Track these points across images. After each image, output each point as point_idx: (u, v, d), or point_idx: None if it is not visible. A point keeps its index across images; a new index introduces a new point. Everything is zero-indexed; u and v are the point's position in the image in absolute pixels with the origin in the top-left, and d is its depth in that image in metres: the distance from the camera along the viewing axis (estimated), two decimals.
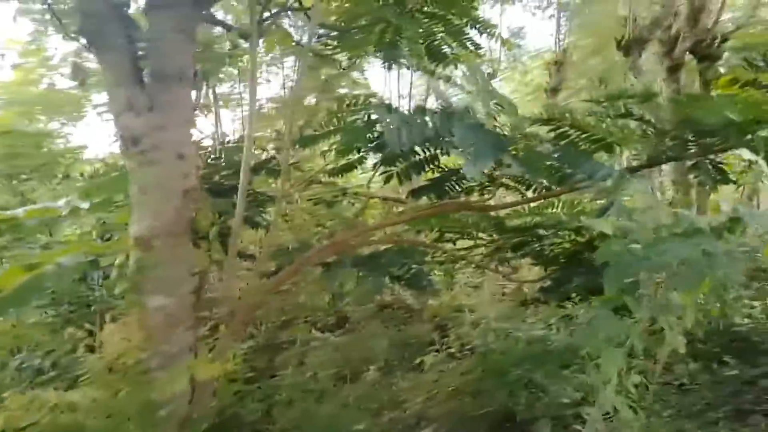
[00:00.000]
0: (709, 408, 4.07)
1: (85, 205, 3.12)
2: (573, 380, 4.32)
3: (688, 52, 5.64)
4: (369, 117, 3.17)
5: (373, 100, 3.30)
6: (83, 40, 2.41)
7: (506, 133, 2.35)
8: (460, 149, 1.92)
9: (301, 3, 3.50)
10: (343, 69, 5.32)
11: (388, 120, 2.14)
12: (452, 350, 5.77)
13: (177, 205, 2.45)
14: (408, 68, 5.56)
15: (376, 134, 3.14)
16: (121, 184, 3.16)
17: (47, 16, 3.81)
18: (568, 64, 8.66)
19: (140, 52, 2.40)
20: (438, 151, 3.34)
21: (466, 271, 6.14)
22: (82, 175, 5.60)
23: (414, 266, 3.52)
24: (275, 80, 6.66)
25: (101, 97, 8.15)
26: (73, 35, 2.57)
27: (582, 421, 3.91)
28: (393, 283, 3.69)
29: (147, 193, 2.40)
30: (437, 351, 5.98)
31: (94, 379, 2.35)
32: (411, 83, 8.12)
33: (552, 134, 2.60)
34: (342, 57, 5.51)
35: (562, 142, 2.51)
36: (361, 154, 3.36)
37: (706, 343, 4.83)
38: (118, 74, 2.38)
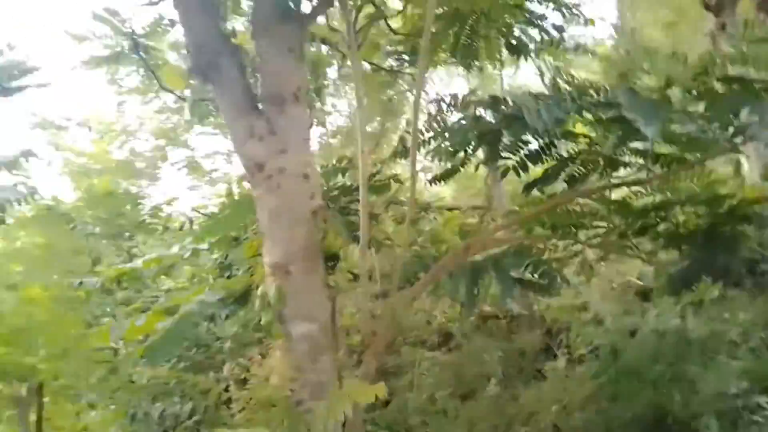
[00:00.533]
0: None
1: (204, 246, 3.13)
2: (729, 368, 3.92)
3: None
4: (476, 113, 3.04)
5: (474, 98, 3.15)
6: (198, 78, 2.42)
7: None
8: (632, 113, 1.73)
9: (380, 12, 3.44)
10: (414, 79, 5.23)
11: (526, 101, 1.98)
12: (571, 354, 5.43)
13: (308, 227, 2.37)
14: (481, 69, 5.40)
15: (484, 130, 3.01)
16: (233, 221, 3.16)
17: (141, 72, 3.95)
18: (636, 47, 8.16)
19: (252, 78, 2.38)
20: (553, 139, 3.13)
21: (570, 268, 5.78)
22: (181, 227, 5.77)
23: (542, 266, 3.29)
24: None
25: (177, 153, 8.60)
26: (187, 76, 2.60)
27: (752, 411, 3.52)
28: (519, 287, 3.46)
29: (278, 219, 2.34)
30: (555, 356, 5.65)
31: (250, 416, 2.27)
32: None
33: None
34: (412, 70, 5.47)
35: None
36: (468, 153, 3.21)
37: None
38: (235, 104, 2.36)
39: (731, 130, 2.04)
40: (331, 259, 2.64)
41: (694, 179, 3.34)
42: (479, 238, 3.16)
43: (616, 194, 3.67)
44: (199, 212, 5.83)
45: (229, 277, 3.11)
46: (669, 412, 3.76)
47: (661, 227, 3.72)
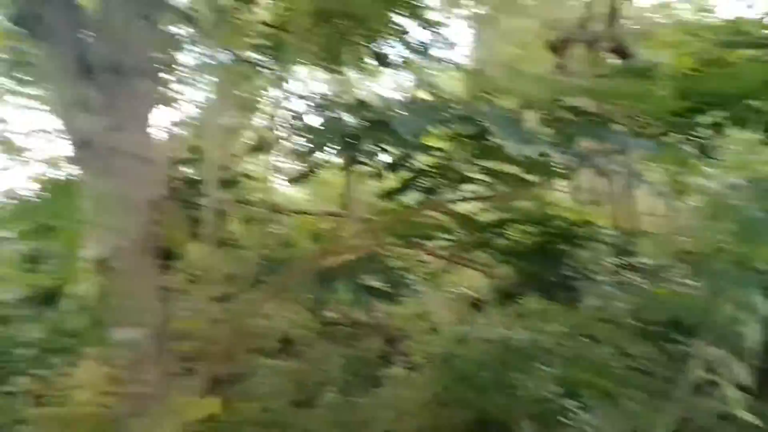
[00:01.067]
0: (673, 386, 4.20)
1: (9, 234, 2.62)
2: (547, 376, 4.31)
3: (609, 51, 6.00)
4: (338, 116, 2.96)
5: (340, 99, 3.07)
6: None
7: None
8: (498, 130, 1.78)
9: None
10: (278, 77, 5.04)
11: (397, 108, 1.95)
12: (410, 361, 5.60)
13: (143, 219, 2.07)
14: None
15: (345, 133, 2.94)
16: (51, 207, 2.68)
17: None
18: (487, 73, 8.85)
19: (90, 41, 2.01)
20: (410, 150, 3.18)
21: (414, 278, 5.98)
22: None
23: (393, 275, 3.31)
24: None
25: None
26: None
27: (562, 414, 3.90)
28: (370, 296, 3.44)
29: (107, 207, 2.00)
30: (394, 364, 5.78)
31: None
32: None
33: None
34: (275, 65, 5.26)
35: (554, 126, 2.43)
36: (328, 155, 3.12)
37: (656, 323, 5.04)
38: (64, 68, 1.97)
39: (573, 155, 2.22)
40: (167, 257, 2.35)
41: (530, 200, 3.65)
42: (336, 244, 3.08)
43: (462, 209, 3.87)
44: (10, 197, 4.92)
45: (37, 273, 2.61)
46: (493, 416, 4.00)
47: (499, 242, 4.00)
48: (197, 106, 5.87)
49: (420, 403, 4.56)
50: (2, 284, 2.35)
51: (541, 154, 2.27)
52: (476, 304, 6.42)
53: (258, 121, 4.17)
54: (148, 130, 2.14)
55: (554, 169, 2.79)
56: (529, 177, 3.26)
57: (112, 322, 2.03)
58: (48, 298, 2.29)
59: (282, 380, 5.43)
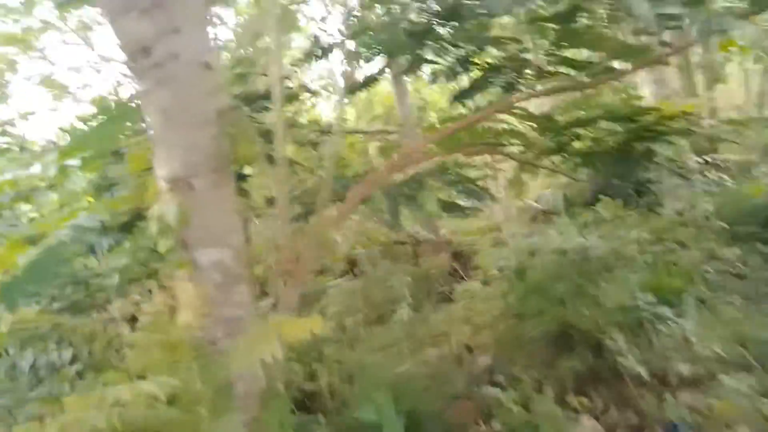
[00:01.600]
0: None
1: (75, 162, 2.53)
2: (627, 282, 4.08)
3: None
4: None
5: None
6: None
7: None
8: None
9: None
10: None
11: None
12: (481, 275, 5.49)
13: (213, 132, 1.91)
14: None
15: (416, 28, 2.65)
16: (110, 130, 2.56)
17: None
18: None
19: None
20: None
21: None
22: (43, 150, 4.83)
23: (467, 184, 3.10)
24: None
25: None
26: None
27: (654, 321, 3.70)
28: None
29: (174, 120, 1.85)
30: (462, 279, 5.71)
31: (147, 360, 1.87)
32: None
33: None
34: None
35: None
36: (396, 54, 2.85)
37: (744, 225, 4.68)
38: None
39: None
40: (239, 178, 2.22)
41: (615, 93, 3.28)
42: (403, 155, 2.87)
43: (537, 112, 3.53)
44: (67, 132, 4.92)
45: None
46: (574, 326, 3.85)
47: (577, 145, 3.68)
48: (239, 24, 5.60)
49: (495, 316, 4.47)
50: (80, 211, 2.30)
51: (670, 17, 1.95)
52: (547, 214, 6.19)
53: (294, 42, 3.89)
54: (206, 30, 1.94)
55: (646, 52, 2.45)
56: (618, 65, 2.92)
57: (196, 243, 1.94)
58: (127, 224, 2.23)
59: (351, 299, 5.48)
